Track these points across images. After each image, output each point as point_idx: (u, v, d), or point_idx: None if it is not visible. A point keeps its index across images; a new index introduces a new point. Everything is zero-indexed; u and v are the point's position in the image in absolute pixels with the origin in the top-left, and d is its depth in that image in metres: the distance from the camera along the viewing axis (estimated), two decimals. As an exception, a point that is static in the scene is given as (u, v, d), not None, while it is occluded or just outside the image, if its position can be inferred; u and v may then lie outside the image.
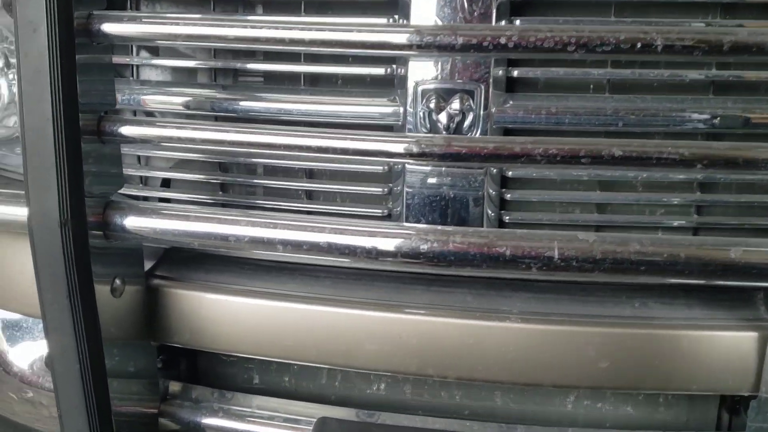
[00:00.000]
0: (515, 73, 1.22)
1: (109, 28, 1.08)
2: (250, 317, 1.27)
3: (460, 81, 1.21)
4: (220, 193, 1.39)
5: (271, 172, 1.39)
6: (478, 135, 1.22)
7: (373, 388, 1.45)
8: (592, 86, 1.25)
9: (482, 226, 1.26)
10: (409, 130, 1.23)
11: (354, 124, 1.27)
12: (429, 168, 1.25)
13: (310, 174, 1.37)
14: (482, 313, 1.23)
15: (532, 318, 1.22)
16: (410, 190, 1.26)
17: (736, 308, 1.25)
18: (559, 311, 1.23)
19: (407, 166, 1.25)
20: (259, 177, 1.39)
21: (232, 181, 1.37)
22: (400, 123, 1.24)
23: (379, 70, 1.25)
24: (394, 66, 1.25)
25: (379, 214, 1.32)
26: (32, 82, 1.04)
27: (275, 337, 1.26)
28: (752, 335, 1.19)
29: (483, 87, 1.21)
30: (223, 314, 1.28)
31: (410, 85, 1.22)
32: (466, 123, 1.22)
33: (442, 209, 1.26)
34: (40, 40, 1.02)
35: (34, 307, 1.15)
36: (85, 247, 1.11)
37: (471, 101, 1.21)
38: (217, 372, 1.50)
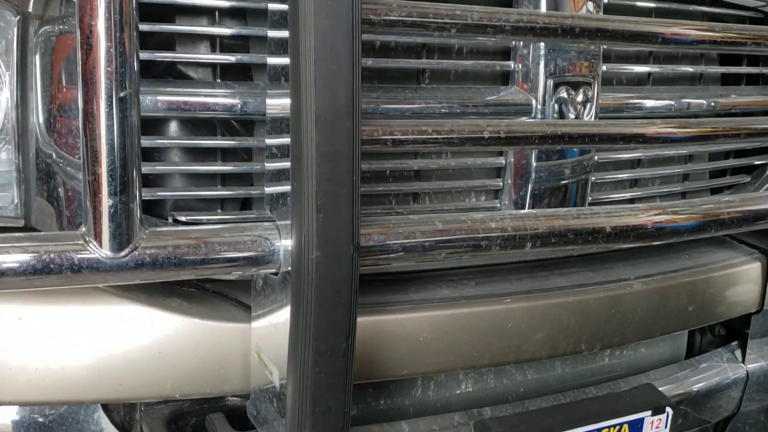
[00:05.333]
0: (604, 67, 1.38)
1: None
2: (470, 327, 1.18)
3: (584, 74, 1.31)
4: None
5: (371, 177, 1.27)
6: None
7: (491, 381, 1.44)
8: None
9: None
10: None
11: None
12: (551, 161, 1.32)
13: (417, 175, 1.30)
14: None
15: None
16: (537, 182, 1.31)
17: (736, 249, 1.62)
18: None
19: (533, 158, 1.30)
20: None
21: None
22: (531, 114, 1.29)
23: (507, 63, 1.28)
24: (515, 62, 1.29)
25: (497, 208, 1.34)
26: (331, 69, 0.81)
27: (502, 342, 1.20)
28: (756, 265, 1.57)
29: (596, 79, 1.33)
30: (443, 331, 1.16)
31: (541, 77, 1.28)
32: (586, 111, 1.33)
33: (562, 195, 1.35)
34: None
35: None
36: (356, 277, 0.90)
37: (591, 92, 1.32)
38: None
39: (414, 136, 0.96)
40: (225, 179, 1.17)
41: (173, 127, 1.16)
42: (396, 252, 0.98)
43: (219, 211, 1.18)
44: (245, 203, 1.20)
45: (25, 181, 1.09)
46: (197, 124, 1.16)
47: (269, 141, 0.98)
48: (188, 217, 1.14)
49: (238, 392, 1.10)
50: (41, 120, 1.06)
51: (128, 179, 0.84)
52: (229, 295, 1.14)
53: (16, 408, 1.06)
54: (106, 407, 1.11)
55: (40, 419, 1.07)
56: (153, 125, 1.14)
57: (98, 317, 1.03)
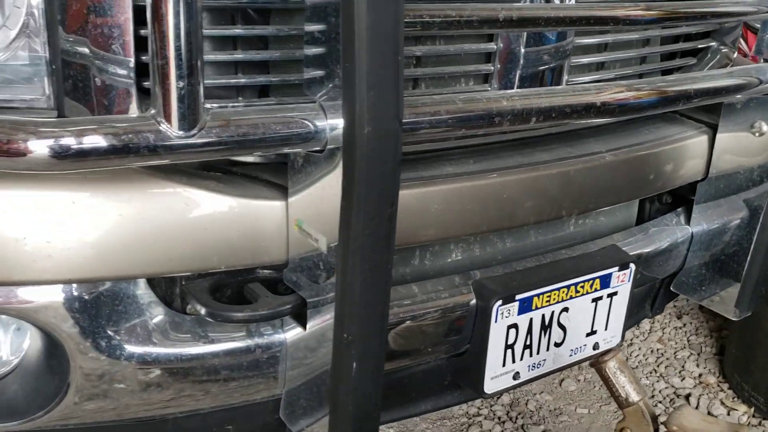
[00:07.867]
0: (581, -44, 1.48)
1: None
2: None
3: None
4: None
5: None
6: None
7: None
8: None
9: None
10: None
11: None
12: (538, 47, 1.43)
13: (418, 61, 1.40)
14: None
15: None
16: (525, 67, 1.43)
17: (686, 124, 1.81)
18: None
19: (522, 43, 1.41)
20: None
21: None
22: None
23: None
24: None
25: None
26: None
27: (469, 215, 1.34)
28: (704, 138, 1.77)
29: (576, -32, 1.44)
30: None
31: (529, -35, 1.37)
32: (569, -3, 1.44)
33: (549, 78, 1.47)
34: None
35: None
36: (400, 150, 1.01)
37: (572, -21, 1.43)
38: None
39: (440, 20, 1.06)
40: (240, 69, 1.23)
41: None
42: (425, 128, 1.09)
43: (239, 99, 1.25)
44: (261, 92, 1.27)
45: (56, 72, 1.12)
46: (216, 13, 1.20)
47: (309, 27, 1.05)
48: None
49: (276, 262, 1.22)
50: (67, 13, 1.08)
51: (194, 63, 0.90)
52: (258, 176, 1.23)
53: (71, 286, 1.14)
54: (151, 282, 1.21)
55: (86, 296, 1.15)
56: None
57: (149, 199, 1.11)
